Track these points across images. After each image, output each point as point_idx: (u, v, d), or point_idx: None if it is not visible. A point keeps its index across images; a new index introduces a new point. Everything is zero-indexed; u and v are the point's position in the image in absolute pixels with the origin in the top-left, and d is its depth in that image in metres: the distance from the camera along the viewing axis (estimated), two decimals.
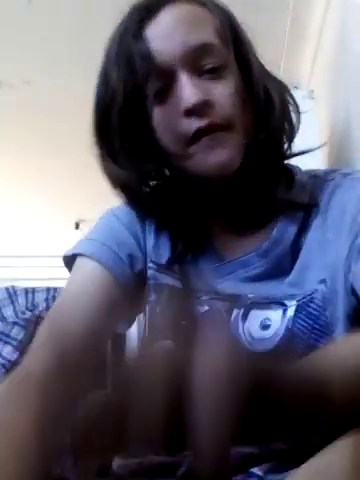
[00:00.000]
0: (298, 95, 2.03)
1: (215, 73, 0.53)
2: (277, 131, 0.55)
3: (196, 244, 0.63)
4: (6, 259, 3.23)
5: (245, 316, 0.58)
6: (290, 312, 0.56)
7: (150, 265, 0.65)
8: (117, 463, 0.58)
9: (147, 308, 0.64)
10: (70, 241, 0.71)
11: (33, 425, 0.45)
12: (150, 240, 0.65)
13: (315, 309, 0.55)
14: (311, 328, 0.55)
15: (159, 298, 0.63)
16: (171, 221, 0.64)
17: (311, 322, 0.55)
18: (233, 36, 0.56)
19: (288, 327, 0.56)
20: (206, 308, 0.60)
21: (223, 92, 0.52)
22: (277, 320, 0.56)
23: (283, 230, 0.59)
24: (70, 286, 0.61)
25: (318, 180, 0.60)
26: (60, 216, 3.19)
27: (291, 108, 0.58)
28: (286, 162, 0.62)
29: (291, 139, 0.57)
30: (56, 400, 0.50)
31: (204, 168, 0.53)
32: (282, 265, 0.58)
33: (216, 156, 0.52)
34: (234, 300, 0.59)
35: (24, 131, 2.20)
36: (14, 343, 1.86)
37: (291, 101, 0.58)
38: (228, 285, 0.60)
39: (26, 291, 1.95)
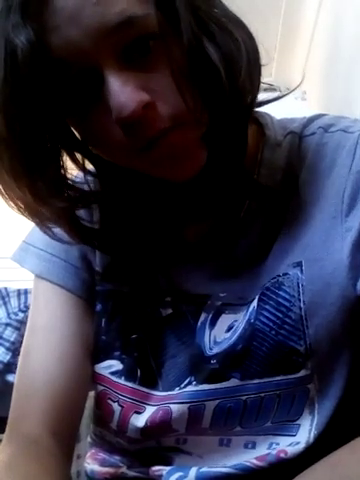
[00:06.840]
0: (290, 96, 2.06)
1: (146, 52, 0.38)
2: (234, 101, 0.40)
3: (151, 239, 0.52)
4: None
5: (214, 321, 0.49)
6: (254, 303, 0.46)
7: (97, 268, 0.54)
8: (91, 467, 0.56)
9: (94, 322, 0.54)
10: None
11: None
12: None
13: (286, 299, 0.45)
14: (280, 323, 0.44)
15: (105, 308, 0.53)
16: (123, 221, 0.51)
17: (281, 315, 0.44)
18: None
19: (250, 321, 0.46)
20: (169, 311, 0.51)
21: (163, 79, 0.37)
22: (241, 317, 0.47)
23: (254, 209, 0.48)
24: (36, 319, 0.54)
25: (295, 139, 0.49)
26: None
27: (246, 59, 0.40)
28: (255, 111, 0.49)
29: (255, 93, 0.42)
30: (61, 462, 0.48)
31: (161, 178, 0.43)
32: (258, 252, 0.48)
33: (177, 172, 0.41)
34: (203, 302, 0.50)
35: None
36: (6, 344, 1.85)
37: (244, 49, 0.41)
38: (197, 283, 0.50)
39: (19, 292, 1.94)
